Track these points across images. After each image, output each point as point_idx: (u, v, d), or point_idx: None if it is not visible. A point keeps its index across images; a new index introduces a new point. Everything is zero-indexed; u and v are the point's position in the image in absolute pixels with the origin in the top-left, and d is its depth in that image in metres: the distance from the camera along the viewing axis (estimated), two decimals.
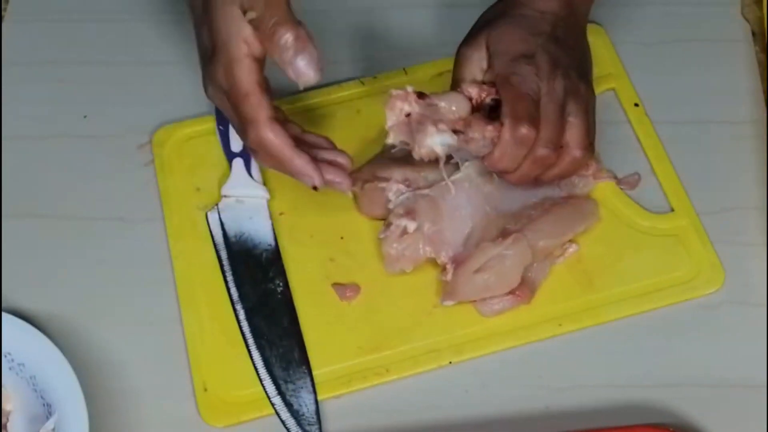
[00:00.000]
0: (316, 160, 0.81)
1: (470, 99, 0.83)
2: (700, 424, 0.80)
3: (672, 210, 0.89)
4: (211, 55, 0.81)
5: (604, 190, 0.90)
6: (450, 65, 0.96)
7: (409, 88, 0.81)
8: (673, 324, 0.85)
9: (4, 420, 0.81)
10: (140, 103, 0.97)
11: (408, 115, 0.81)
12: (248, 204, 0.90)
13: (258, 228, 0.89)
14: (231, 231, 0.89)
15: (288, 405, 0.82)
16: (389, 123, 0.81)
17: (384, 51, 0.99)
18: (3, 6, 1.04)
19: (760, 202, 0.89)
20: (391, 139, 0.82)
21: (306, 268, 0.88)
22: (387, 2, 1.00)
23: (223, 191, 0.91)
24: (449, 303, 0.84)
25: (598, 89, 0.94)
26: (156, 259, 0.89)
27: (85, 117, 0.97)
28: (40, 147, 0.95)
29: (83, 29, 1.02)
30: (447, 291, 0.84)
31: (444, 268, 0.85)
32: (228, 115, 0.83)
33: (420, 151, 0.80)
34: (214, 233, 0.89)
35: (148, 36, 1.01)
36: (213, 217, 0.90)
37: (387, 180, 0.87)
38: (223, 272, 0.88)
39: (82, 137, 0.96)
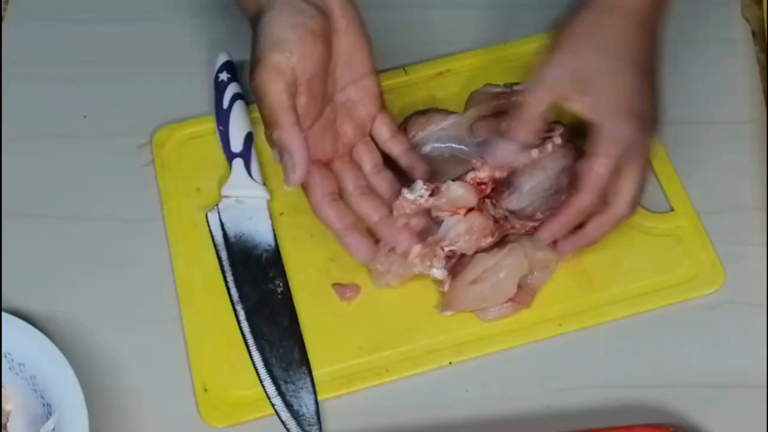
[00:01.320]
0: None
1: (481, 190, 0.84)
2: (700, 424, 0.80)
3: (672, 210, 0.89)
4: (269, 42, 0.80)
5: None
6: (450, 65, 0.97)
7: (424, 191, 0.83)
8: (673, 324, 0.85)
9: (4, 420, 0.81)
10: (140, 103, 0.97)
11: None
12: (248, 204, 0.90)
13: (258, 228, 0.89)
14: (231, 231, 0.89)
15: (288, 405, 0.82)
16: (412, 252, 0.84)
17: (384, 51, 0.99)
18: (3, 6, 1.04)
19: (760, 202, 0.89)
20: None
21: (306, 268, 0.88)
22: (387, 2, 1.00)
23: (223, 191, 0.91)
24: (448, 313, 0.84)
25: None
26: (156, 259, 0.89)
27: (85, 117, 0.97)
28: (40, 147, 0.95)
29: (83, 29, 1.02)
30: (444, 302, 0.84)
31: (441, 280, 0.85)
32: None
33: (409, 262, 0.84)
34: (214, 233, 0.89)
35: (148, 36, 1.01)
36: (213, 218, 0.90)
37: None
38: (223, 272, 0.88)
39: (82, 137, 0.96)
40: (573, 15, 0.81)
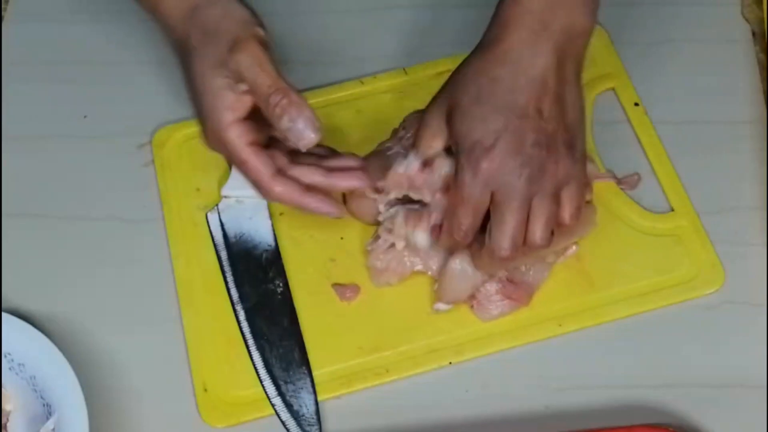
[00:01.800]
0: (327, 195, 0.82)
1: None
2: (700, 424, 0.80)
3: (672, 210, 0.89)
4: (200, 119, 0.82)
5: (604, 190, 0.90)
6: (450, 65, 0.96)
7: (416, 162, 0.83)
8: (673, 324, 0.85)
9: (4, 420, 0.81)
10: (140, 103, 0.97)
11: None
12: (248, 204, 0.90)
13: (258, 228, 0.89)
14: (231, 231, 0.89)
15: (288, 405, 0.82)
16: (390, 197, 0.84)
17: (384, 51, 0.99)
18: (3, 6, 1.04)
19: (760, 202, 0.89)
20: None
21: (306, 268, 0.88)
22: (387, 2, 1.00)
23: (223, 191, 0.91)
24: (442, 308, 0.84)
25: (598, 89, 0.95)
26: (156, 259, 0.89)
27: (85, 117, 0.97)
28: (40, 147, 0.95)
29: (83, 29, 1.02)
30: (437, 296, 0.84)
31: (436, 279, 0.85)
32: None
33: (399, 232, 0.84)
34: (214, 233, 0.89)
35: (148, 36, 1.01)
36: (213, 218, 0.90)
37: (378, 192, 0.87)
38: (223, 272, 0.88)
39: (82, 137, 0.96)
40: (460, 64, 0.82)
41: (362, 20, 1.01)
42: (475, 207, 0.78)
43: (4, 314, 0.82)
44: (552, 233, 0.79)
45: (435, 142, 0.82)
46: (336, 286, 0.87)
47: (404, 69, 0.97)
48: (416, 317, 0.85)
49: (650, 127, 0.93)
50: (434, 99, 0.82)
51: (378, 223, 0.87)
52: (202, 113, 0.81)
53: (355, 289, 0.86)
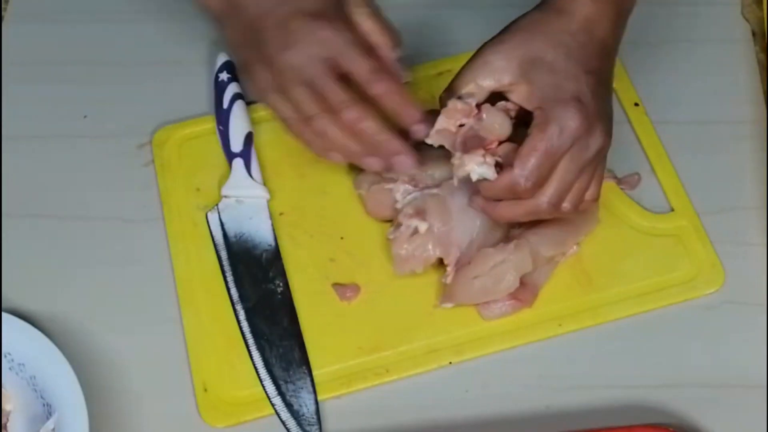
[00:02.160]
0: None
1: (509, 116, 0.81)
2: (700, 424, 0.80)
3: (672, 210, 0.89)
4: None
5: (604, 190, 0.89)
6: (450, 65, 0.96)
7: (472, 101, 0.80)
8: (673, 324, 0.85)
9: (4, 420, 0.81)
10: (140, 103, 0.97)
11: (460, 125, 0.81)
12: (248, 204, 0.90)
13: (258, 228, 0.89)
14: (231, 231, 0.89)
15: (288, 405, 0.82)
16: (438, 126, 0.81)
17: None
18: (3, 6, 1.04)
19: (760, 202, 0.89)
20: (432, 140, 0.81)
21: (306, 268, 0.88)
22: (387, 2, 1.00)
23: (223, 191, 0.91)
24: (448, 305, 0.84)
25: None
26: (156, 259, 0.89)
27: (85, 117, 0.97)
28: (40, 147, 0.95)
29: (83, 29, 1.02)
30: (445, 294, 0.84)
31: (446, 270, 0.85)
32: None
33: (457, 170, 0.80)
34: (214, 233, 0.89)
35: (148, 36, 1.01)
36: (213, 217, 0.90)
37: (394, 181, 0.87)
38: (223, 272, 0.88)
39: (82, 137, 0.96)
40: (522, 15, 0.80)
41: None
42: (554, 161, 0.77)
43: (4, 314, 0.82)
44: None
45: (489, 80, 0.80)
46: (336, 286, 0.87)
47: None
48: (416, 317, 0.85)
49: (650, 127, 0.93)
50: (498, 41, 0.80)
51: (391, 219, 0.87)
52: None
53: (355, 289, 0.86)
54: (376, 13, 0.84)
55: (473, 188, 0.82)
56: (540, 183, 0.78)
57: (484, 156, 0.79)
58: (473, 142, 0.80)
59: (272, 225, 0.90)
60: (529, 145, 0.77)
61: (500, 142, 0.80)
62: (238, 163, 0.91)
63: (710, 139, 0.93)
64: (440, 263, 0.85)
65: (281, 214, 0.90)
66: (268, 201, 0.91)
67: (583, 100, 0.77)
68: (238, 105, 0.93)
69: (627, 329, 0.84)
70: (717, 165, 0.92)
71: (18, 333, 0.81)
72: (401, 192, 0.87)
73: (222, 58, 0.95)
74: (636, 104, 0.95)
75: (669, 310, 0.85)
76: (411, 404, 0.82)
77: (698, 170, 0.91)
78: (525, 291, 0.84)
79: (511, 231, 0.85)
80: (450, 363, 0.83)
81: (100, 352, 0.85)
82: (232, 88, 0.94)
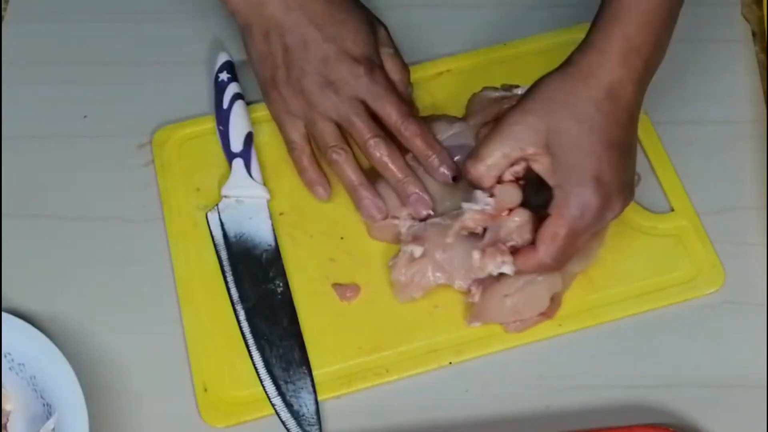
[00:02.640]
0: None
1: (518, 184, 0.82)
2: (700, 424, 0.80)
3: (672, 210, 0.89)
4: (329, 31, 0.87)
5: None
6: (450, 65, 0.97)
7: (489, 208, 0.82)
8: (673, 324, 0.85)
9: (4, 420, 0.81)
10: (140, 103, 0.97)
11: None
12: (248, 204, 0.90)
13: (258, 228, 0.89)
14: (231, 231, 0.89)
15: (288, 405, 0.82)
16: (461, 226, 0.83)
17: None
18: (3, 6, 1.04)
19: (760, 202, 0.89)
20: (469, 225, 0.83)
21: (306, 268, 0.88)
22: (387, 2, 1.00)
23: (223, 191, 0.91)
24: (476, 324, 0.84)
25: None
26: (156, 259, 0.89)
27: (85, 117, 0.97)
28: (40, 147, 0.95)
29: (83, 29, 1.02)
30: (474, 313, 0.84)
31: (469, 291, 0.84)
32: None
33: (477, 268, 0.82)
34: (214, 233, 0.89)
35: (148, 36, 1.01)
36: (213, 217, 0.90)
37: (398, 218, 0.87)
38: (223, 272, 0.88)
39: (82, 137, 0.96)
40: (548, 78, 0.80)
41: None
42: (575, 239, 0.79)
43: (4, 314, 0.82)
44: None
45: (515, 151, 0.80)
46: (336, 286, 0.87)
47: None
48: (416, 317, 0.85)
49: (650, 127, 0.93)
50: (523, 110, 0.80)
51: (396, 241, 0.87)
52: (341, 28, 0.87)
53: (355, 289, 0.86)
54: (397, 53, 0.91)
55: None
56: (562, 260, 0.80)
57: (502, 256, 0.81)
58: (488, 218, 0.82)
59: (272, 225, 0.90)
60: (551, 229, 0.79)
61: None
62: (238, 163, 0.91)
63: (710, 139, 0.93)
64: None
65: (281, 214, 0.90)
66: (268, 201, 0.91)
67: (602, 179, 0.78)
68: (238, 105, 0.93)
69: (627, 329, 0.84)
70: (717, 165, 0.92)
71: (18, 333, 0.81)
72: (407, 226, 0.87)
73: (222, 58, 0.95)
74: None
75: (669, 310, 0.85)
76: (411, 404, 0.82)
77: (698, 170, 0.91)
78: (552, 305, 0.84)
79: None
80: (450, 363, 0.83)
81: (100, 352, 0.85)
82: (232, 88, 0.94)
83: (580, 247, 0.81)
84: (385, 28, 0.91)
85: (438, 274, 0.84)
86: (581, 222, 0.78)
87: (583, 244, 0.81)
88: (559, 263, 0.80)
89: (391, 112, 0.87)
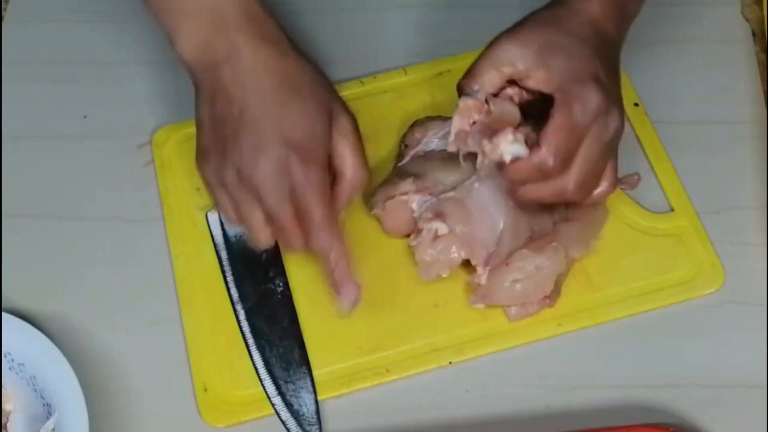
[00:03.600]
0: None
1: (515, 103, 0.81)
2: (700, 424, 0.80)
3: (672, 210, 0.89)
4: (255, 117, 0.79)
5: None
6: (450, 65, 0.97)
7: (481, 96, 0.80)
8: (673, 324, 0.85)
9: (4, 420, 0.81)
10: (140, 103, 0.97)
11: (473, 123, 0.80)
12: None
13: None
14: (231, 231, 0.89)
15: (288, 405, 0.82)
16: (455, 129, 0.80)
17: (384, 51, 0.99)
18: (3, 6, 1.04)
19: (760, 202, 0.89)
20: (452, 147, 0.81)
21: (306, 268, 0.88)
22: (387, 2, 1.00)
23: None
24: (480, 306, 0.84)
25: None
26: (156, 259, 0.89)
27: (85, 117, 0.97)
28: (40, 147, 0.95)
29: (83, 29, 1.02)
30: (480, 293, 0.84)
31: (476, 270, 0.84)
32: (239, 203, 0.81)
33: (490, 155, 0.79)
34: (214, 233, 0.89)
35: (147, 36, 1.01)
36: (213, 217, 0.90)
37: (406, 193, 0.87)
38: (223, 272, 0.88)
39: (82, 137, 0.96)
40: (534, 12, 0.81)
41: (362, 20, 1.01)
42: (579, 138, 0.77)
43: (4, 314, 0.82)
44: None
45: (507, 66, 0.79)
46: None
47: (404, 69, 0.97)
48: (416, 317, 0.85)
49: (650, 127, 0.93)
50: (514, 32, 0.80)
51: (409, 234, 0.86)
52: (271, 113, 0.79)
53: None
54: (359, 150, 0.83)
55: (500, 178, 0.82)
56: (567, 161, 0.78)
57: (514, 134, 0.78)
58: (489, 134, 0.80)
59: None
60: (554, 124, 0.77)
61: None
62: None
63: (710, 139, 0.93)
64: (464, 265, 0.85)
65: None
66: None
67: (601, 79, 0.78)
68: None
69: (627, 329, 0.84)
70: (717, 165, 0.92)
71: (18, 333, 0.81)
72: (417, 202, 0.86)
73: None
74: (636, 104, 0.95)
75: (669, 310, 0.85)
76: (411, 404, 0.82)
77: (698, 170, 0.91)
78: (553, 291, 0.84)
79: (535, 231, 0.85)
80: (450, 363, 0.83)
81: (100, 352, 0.85)
82: None
83: (589, 161, 0.78)
84: (352, 119, 0.83)
85: (462, 251, 0.84)
86: (584, 116, 0.77)
87: (589, 154, 0.78)
88: (562, 162, 0.77)
89: (310, 212, 0.79)
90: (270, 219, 0.80)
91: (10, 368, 0.81)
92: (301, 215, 0.80)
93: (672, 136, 0.92)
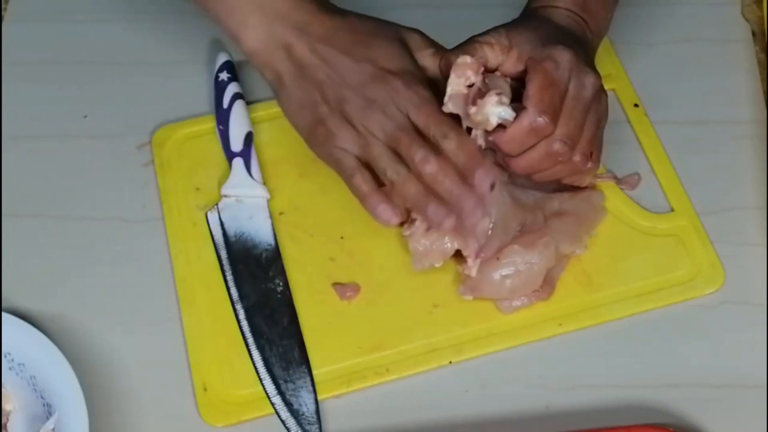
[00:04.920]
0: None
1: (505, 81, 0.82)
2: (700, 424, 0.80)
3: (672, 210, 0.89)
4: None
5: (604, 190, 0.90)
6: None
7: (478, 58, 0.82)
8: (673, 324, 0.85)
9: (4, 420, 0.81)
10: (140, 103, 0.97)
11: (470, 86, 0.81)
12: (248, 204, 0.90)
13: (258, 228, 0.89)
14: (231, 231, 0.89)
15: (288, 404, 0.82)
16: (451, 90, 0.81)
17: None
18: (3, 6, 1.04)
19: (760, 202, 0.89)
20: (449, 108, 0.81)
21: (306, 268, 0.88)
22: (387, 2, 1.00)
23: (223, 191, 0.91)
24: (468, 297, 0.84)
25: None
26: (156, 259, 0.89)
27: (85, 117, 0.97)
28: (40, 147, 0.95)
29: (83, 29, 1.02)
30: (469, 285, 0.84)
31: (466, 261, 0.84)
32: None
33: (475, 117, 0.79)
34: (214, 233, 0.89)
35: (147, 36, 1.01)
36: (213, 217, 0.90)
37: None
38: (223, 272, 0.88)
39: (82, 137, 0.96)
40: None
41: None
42: (560, 92, 0.79)
43: (4, 314, 0.82)
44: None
45: (480, 54, 0.82)
46: (336, 285, 0.87)
47: None
48: (416, 316, 0.85)
49: (650, 128, 0.93)
50: (484, 32, 0.84)
51: (402, 223, 0.86)
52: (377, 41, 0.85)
53: (355, 288, 0.86)
54: (437, 50, 0.87)
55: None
56: (554, 115, 0.79)
57: (499, 96, 0.79)
58: (490, 95, 0.80)
59: (272, 224, 0.90)
60: (533, 84, 0.79)
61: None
62: (238, 162, 0.91)
63: (710, 139, 0.93)
64: (459, 257, 0.85)
65: (281, 213, 0.91)
66: (268, 200, 0.91)
67: (569, 45, 0.81)
68: (238, 105, 0.93)
69: (627, 329, 0.84)
70: (717, 165, 0.92)
71: (18, 333, 0.81)
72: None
73: (222, 58, 0.96)
74: (636, 105, 0.95)
75: (669, 310, 0.85)
76: (411, 404, 0.82)
77: (698, 170, 0.91)
78: (545, 286, 0.84)
79: (526, 225, 0.85)
80: (450, 362, 0.83)
81: (100, 352, 0.85)
82: (232, 88, 0.94)
83: (573, 119, 0.80)
84: (419, 33, 0.88)
85: (456, 242, 0.84)
86: (558, 71, 0.79)
87: (573, 112, 0.80)
88: (551, 118, 0.78)
89: (428, 123, 0.82)
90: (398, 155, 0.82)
91: (10, 368, 0.81)
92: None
93: (672, 136, 0.93)
